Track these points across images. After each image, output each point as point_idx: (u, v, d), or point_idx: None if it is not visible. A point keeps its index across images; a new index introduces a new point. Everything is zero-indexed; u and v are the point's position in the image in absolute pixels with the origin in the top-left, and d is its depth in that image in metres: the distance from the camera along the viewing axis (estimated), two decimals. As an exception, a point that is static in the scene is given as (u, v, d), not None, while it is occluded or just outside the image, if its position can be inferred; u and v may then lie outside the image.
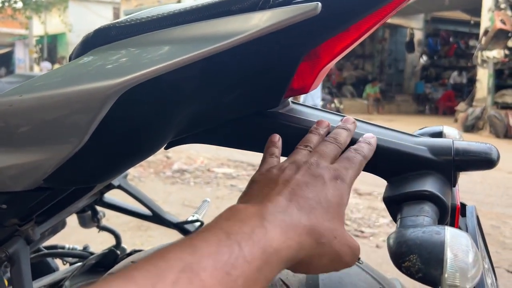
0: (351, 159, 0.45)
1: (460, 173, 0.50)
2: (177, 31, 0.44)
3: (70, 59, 0.50)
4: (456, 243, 0.36)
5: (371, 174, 0.50)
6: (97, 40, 0.47)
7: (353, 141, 0.48)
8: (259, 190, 0.42)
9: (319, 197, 0.40)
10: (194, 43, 0.41)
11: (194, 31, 0.43)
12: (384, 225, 3.27)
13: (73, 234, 2.30)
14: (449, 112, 12.68)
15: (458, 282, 0.34)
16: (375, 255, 2.70)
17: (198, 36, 0.42)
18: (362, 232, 3.14)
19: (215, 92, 0.47)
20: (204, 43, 0.40)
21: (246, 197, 0.42)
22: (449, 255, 0.35)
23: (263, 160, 0.48)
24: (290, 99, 0.56)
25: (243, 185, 4.44)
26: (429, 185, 0.45)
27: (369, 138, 0.48)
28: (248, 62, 0.44)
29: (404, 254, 0.37)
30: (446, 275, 0.35)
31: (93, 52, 0.46)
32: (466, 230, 0.55)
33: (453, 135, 0.58)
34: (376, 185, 4.17)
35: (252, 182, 0.44)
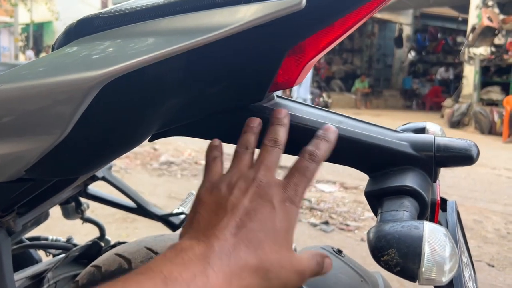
0: (303, 172, 0.43)
1: (442, 168, 0.51)
2: (162, 22, 0.44)
3: (52, 49, 0.49)
4: (433, 238, 0.37)
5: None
6: (81, 30, 0.46)
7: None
8: (207, 219, 0.41)
9: (268, 227, 0.39)
10: (178, 35, 0.41)
11: (179, 23, 0.43)
12: (369, 218, 3.30)
13: (57, 226, 2.28)
14: (436, 107, 12.80)
15: (435, 275, 0.35)
16: (360, 249, 2.73)
17: (182, 28, 0.42)
18: (347, 225, 3.17)
19: (199, 85, 0.47)
20: (189, 36, 0.40)
21: (194, 225, 0.41)
22: (426, 249, 0.36)
23: (207, 167, 0.47)
24: (275, 94, 0.56)
25: (230, 177, 4.43)
26: (410, 180, 0.45)
27: (329, 132, 0.46)
28: (233, 56, 0.44)
29: (383, 248, 0.37)
30: (423, 269, 0.35)
31: (76, 42, 0.46)
32: (446, 225, 0.56)
33: (435, 131, 0.59)
34: (362, 179, 4.18)
35: (200, 202, 0.43)
